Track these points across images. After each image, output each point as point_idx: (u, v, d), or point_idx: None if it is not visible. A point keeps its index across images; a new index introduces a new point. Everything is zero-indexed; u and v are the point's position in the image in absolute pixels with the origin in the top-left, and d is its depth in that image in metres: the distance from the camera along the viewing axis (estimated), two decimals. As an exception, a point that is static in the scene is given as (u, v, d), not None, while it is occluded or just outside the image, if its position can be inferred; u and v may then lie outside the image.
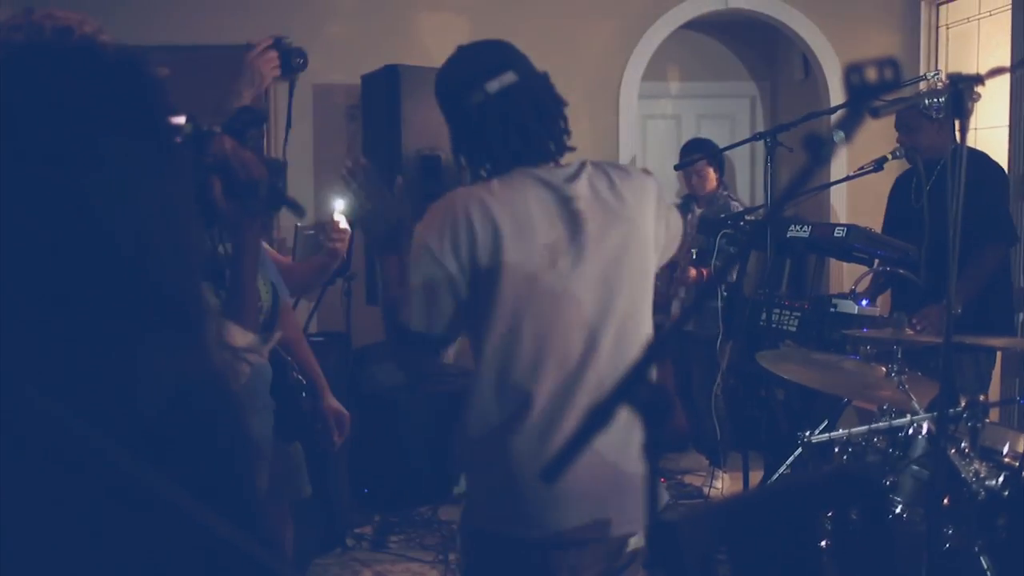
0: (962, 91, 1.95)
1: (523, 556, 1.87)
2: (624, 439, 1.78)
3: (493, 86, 1.93)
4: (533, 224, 1.87)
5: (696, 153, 4.98)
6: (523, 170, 1.93)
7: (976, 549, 2.38)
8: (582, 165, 1.97)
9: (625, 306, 1.91)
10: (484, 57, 2.01)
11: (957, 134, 1.96)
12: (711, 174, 5.03)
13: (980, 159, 3.88)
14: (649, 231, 1.97)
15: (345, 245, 2.88)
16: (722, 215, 4.43)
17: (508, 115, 1.91)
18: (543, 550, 1.85)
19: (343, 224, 2.81)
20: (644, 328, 1.96)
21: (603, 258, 1.90)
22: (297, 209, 1.76)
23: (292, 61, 2.15)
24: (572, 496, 1.82)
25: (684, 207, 5.25)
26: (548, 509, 1.84)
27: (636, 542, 1.91)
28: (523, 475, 1.84)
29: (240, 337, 1.64)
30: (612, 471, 1.84)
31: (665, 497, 2.24)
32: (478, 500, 1.97)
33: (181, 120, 1.65)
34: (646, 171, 2.11)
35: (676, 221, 2.10)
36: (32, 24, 1.59)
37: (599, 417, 0.92)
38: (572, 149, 2.02)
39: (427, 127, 4.86)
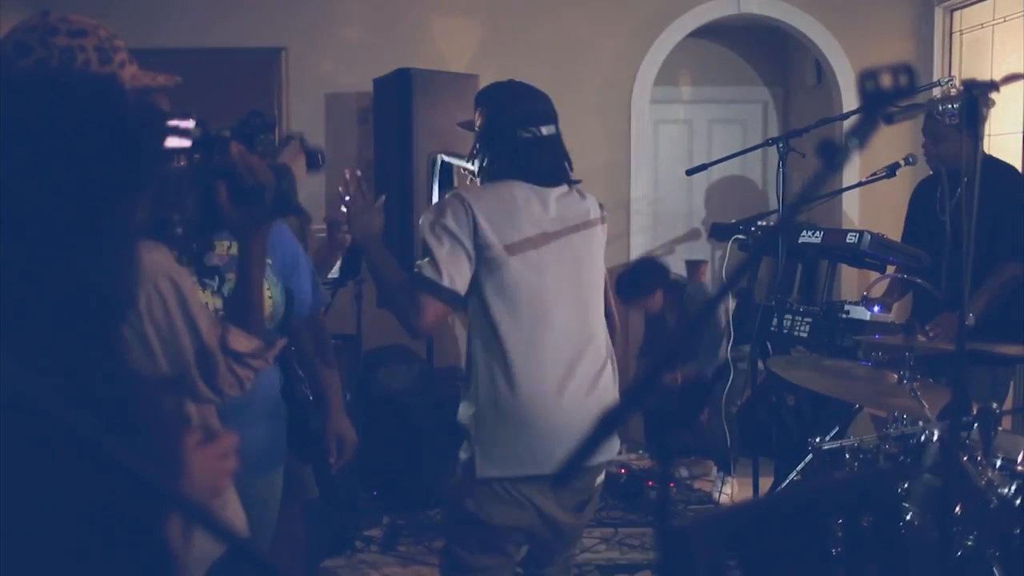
0: (976, 97, 1.94)
1: (538, 489, 2.35)
2: (596, 377, 2.42)
3: (542, 131, 2.44)
4: (520, 214, 2.38)
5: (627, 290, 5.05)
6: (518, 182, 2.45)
7: (989, 557, 2.36)
8: (564, 193, 2.52)
9: (593, 287, 2.51)
10: (541, 103, 2.49)
11: (975, 141, 1.95)
12: (655, 299, 5.09)
13: (1008, 173, 3.83)
14: (599, 237, 2.56)
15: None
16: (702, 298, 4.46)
17: (543, 155, 2.45)
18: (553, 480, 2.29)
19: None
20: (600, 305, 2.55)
21: (575, 248, 2.46)
22: (303, 215, 1.76)
23: (315, 160, 2.23)
24: (571, 434, 2.28)
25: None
26: (556, 447, 2.29)
27: (601, 478, 2.57)
28: (537, 423, 2.32)
29: (243, 342, 1.63)
30: (595, 406, 2.34)
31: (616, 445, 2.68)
32: (491, 453, 2.35)
33: (190, 124, 1.65)
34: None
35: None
36: (47, 25, 1.60)
37: (608, 424, 0.92)
38: (576, 182, 2.54)
39: (439, 131, 4.86)
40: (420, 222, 2.42)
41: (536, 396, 2.33)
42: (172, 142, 1.69)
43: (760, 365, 3.63)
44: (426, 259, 2.34)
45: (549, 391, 2.34)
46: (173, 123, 1.66)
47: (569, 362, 2.39)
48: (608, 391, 2.46)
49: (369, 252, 2.47)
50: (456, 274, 2.31)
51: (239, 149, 1.62)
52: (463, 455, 2.41)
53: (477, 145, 2.49)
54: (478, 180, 2.50)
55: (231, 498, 1.54)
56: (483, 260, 2.34)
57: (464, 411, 2.41)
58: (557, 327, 2.38)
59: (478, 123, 2.50)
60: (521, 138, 2.42)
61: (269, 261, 2.34)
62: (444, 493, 2.64)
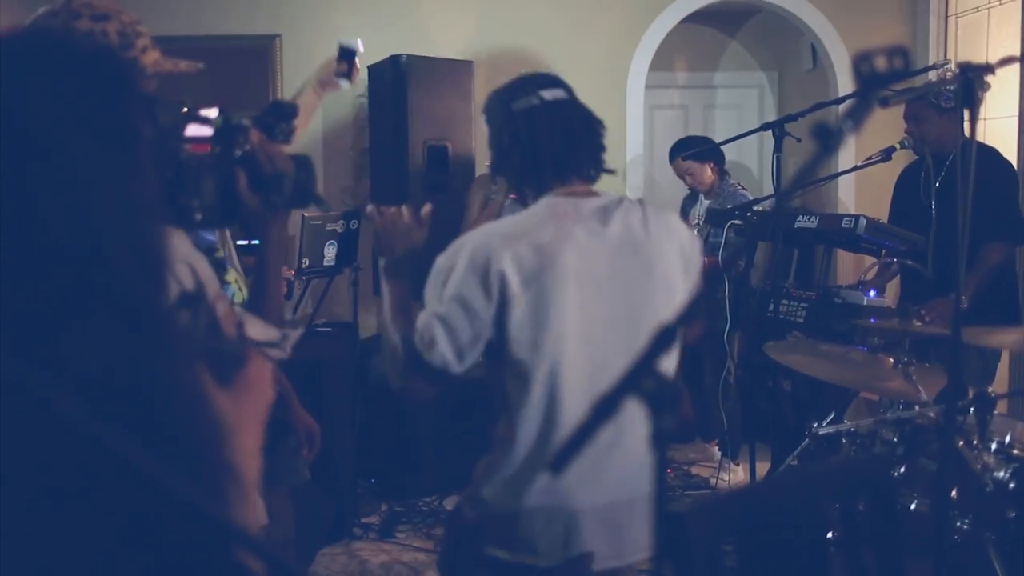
0: (972, 80, 1.93)
1: None
2: (639, 464, 1.89)
3: (546, 94, 2.01)
4: (556, 256, 1.90)
5: (678, 154, 4.97)
6: (558, 196, 1.98)
7: (984, 541, 2.37)
8: (620, 200, 2.03)
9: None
10: (539, 76, 2.10)
11: (967, 124, 1.95)
12: (705, 171, 4.98)
13: (991, 155, 3.85)
14: (674, 269, 2.01)
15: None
16: (729, 206, 4.42)
17: (556, 123, 1.99)
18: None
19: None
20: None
21: (625, 297, 1.96)
22: (323, 205, 1.76)
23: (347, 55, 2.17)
24: (588, 523, 1.91)
25: (691, 198, 5.24)
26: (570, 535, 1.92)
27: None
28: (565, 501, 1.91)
29: (261, 331, 1.63)
30: (627, 497, 1.92)
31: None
32: (492, 525, 1.99)
33: (213, 113, 1.65)
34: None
35: (698, 258, 2.10)
36: (70, 11, 1.60)
37: (605, 408, 0.92)
38: (612, 171, 2.09)
39: (434, 117, 4.85)
40: (438, 264, 1.97)
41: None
42: (193, 130, 1.69)
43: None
44: (439, 324, 1.91)
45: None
46: (196, 112, 1.66)
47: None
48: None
49: (390, 274, 2.07)
50: (469, 356, 1.93)
51: (259, 137, 1.62)
52: None
53: (492, 158, 2.11)
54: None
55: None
56: (504, 321, 1.91)
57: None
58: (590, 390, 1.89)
59: (485, 135, 2.15)
60: (518, 110, 2.01)
61: (233, 251, 2.34)
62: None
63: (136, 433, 0.86)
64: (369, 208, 2.09)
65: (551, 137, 1.98)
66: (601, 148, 2.05)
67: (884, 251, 3.79)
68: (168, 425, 0.90)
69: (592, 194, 2.02)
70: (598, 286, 1.93)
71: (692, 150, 4.89)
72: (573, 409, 1.90)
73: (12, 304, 0.87)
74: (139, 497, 0.83)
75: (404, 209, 2.07)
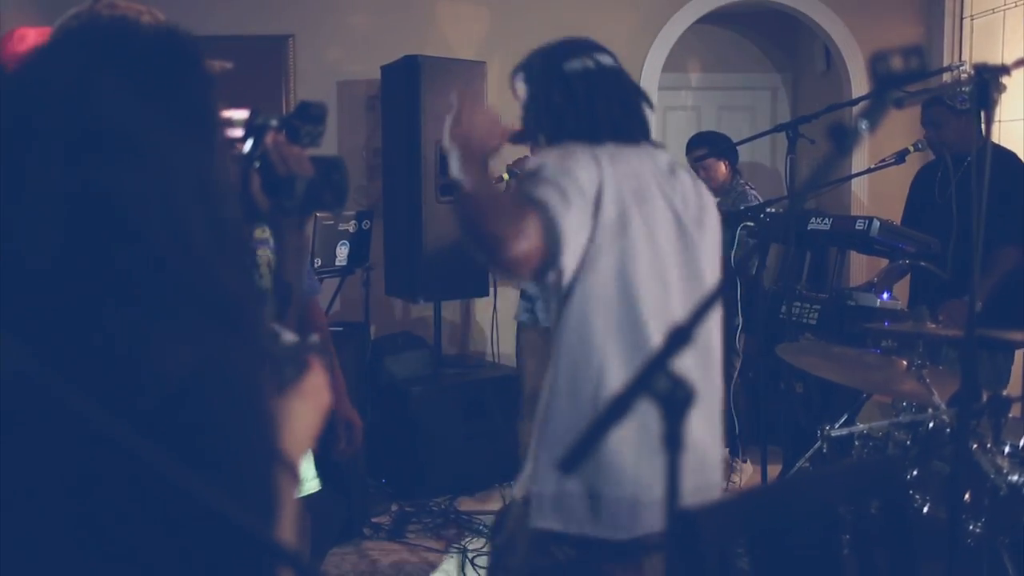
0: (988, 82, 1.92)
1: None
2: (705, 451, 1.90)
3: (602, 59, 1.97)
4: (649, 198, 1.88)
5: (697, 149, 4.98)
6: (622, 144, 1.93)
7: (998, 545, 2.36)
8: (676, 163, 2.03)
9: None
10: (589, 41, 2.03)
11: (982, 126, 1.94)
12: (719, 167, 4.98)
13: (1008, 158, 3.83)
14: (714, 245, 2.02)
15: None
16: (741, 206, 4.41)
17: (615, 88, 1.96)
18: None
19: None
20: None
21: (694, 246, 1.95)
22: (336, 211, 1.72)
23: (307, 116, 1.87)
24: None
25: None
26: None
27: None
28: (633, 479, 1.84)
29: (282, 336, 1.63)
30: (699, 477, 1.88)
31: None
32: (570, 504, 1.86)
33: (244, 114, 1.64)
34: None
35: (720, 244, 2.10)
36: (92, 11, 1.60)
37: (618, 408, 0.92)
38: (661, 146, 2.04)
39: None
40: (538, 157, 1.87)
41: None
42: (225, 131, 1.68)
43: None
44: (551, 188, 1.77)
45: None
46: (227, 113, 1.64)
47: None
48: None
49: (468, 161, 1.84)
50: (575, 229, 1.79)
51: (274, 138, 1.60)
52: None
53: (528, 114, 2.00)
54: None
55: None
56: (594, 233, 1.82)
57: None
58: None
59: (521, 95, 2.04)
60: (572, 71, 1.94)
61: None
62: None
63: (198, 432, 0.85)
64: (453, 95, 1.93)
65: (609, 101, 1.94)
66: (646, 115, 2.04)
67: (897, 253, 3.78)
68: (231, 424, 0.88)
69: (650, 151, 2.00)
70: (675, 228, 1.92)
71: (708, 145, 4.90)
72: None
73: (98, 299, 0.84)
74: (168, 499, 0.82)
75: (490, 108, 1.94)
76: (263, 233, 2.12)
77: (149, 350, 0.84)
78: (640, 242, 1.85)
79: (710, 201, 2.04)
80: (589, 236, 1.81)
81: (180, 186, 0.88)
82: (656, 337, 1.82)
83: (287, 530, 1.02)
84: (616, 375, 1.83)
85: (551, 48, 2.01)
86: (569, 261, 1.81)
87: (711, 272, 1.97)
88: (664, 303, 1.87)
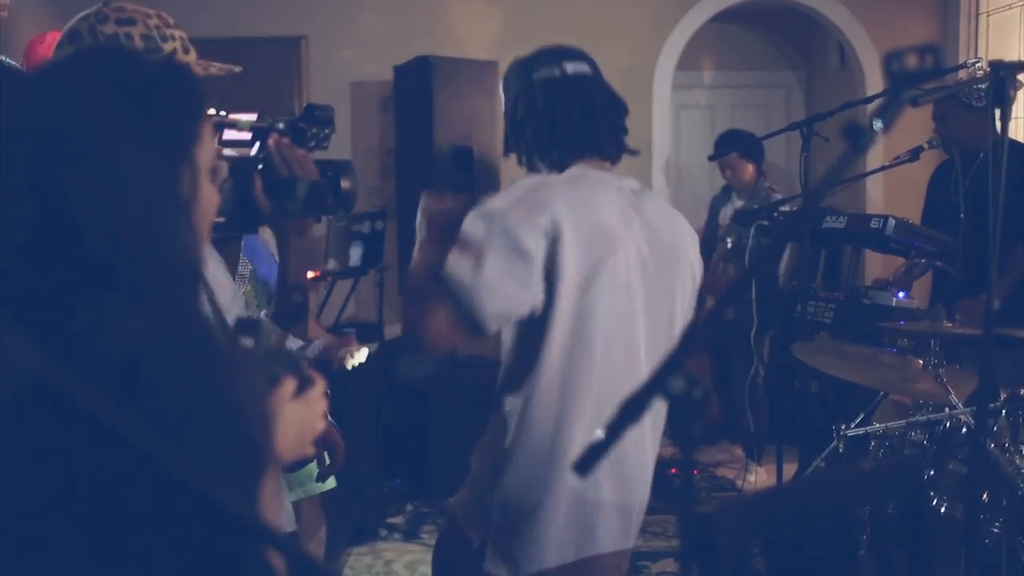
0: (1004, 79, 1.91)
1: None
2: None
3: (569, 67, 1.91)
4: (606, 230, 1.79)
5: (727, 146, 4.97)
6: (586, 167, 1.89)
7: (1016, 545, 2.34)
8: (642, 187, 1.95)
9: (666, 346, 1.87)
10: (564, 48, 1.98)
11: (998, 123, 1.92)
12: (746, 167, 4.99)
13: (1020, 153, 3.80)
14: (688, 275, 1.95)
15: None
16: (756, 207, 4.39)
17: (578, 97, 1.89)
18: None
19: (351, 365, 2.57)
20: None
21: (663, 287, 1.88)
22: (339, 214, 1.71)
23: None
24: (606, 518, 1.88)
25: (722, 198, 5.22)
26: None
27: None
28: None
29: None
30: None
31: None
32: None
33: (252, 117, 1.63)
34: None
35: (699, 269, 2.03)
36: (100, 13, 1.61)
37: (633, 409, 0.91)
38: (634, 152, 1.97)
39: (459, 118, 4.85)
40: (476, 210, 1.79)
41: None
42: (230, 135, 1.67)
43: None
44: (468, 255, 1.73)
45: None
46: (233, 116, 1.64)
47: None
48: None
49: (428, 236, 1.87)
50: (498, 296, 1.73)
51: (276, 140, 1.59)
52: None
53: (505, 132, 1.99)
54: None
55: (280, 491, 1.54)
56: (551, 292, 1.76)
57: None
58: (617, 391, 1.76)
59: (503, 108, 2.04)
60: (537, 80, 1.89)
61: (251, 268, 2.33)
62: None
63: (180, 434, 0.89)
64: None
65: (569, 111, 1.87)
66: (623, 130, 1.95)
67: (913, 252, 3.75)
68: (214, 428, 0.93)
69: (616, 175, 1.94)
70: (640, 272, 1.84)
71: (737, 144, 4.90)
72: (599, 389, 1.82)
73: (47, 302, 0.93)
74: (168, 497, 0.84)
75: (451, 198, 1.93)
76: (245, 268, 2.11)
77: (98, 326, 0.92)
78: (602, 298, 1.78)
79: (682, 224, 1.96)
80: (539, 293, 1.75)
81: (125, 199, 0.98)
82: (606, 404, 1.78)
83: (268, 514, 1.06)
84: (569, 435, 1.80)
85: (526, 57, 1.98)
86: (504, 316, 1.77)
87: (683, 308, 1.92)
88: (627, 364, 1.83)
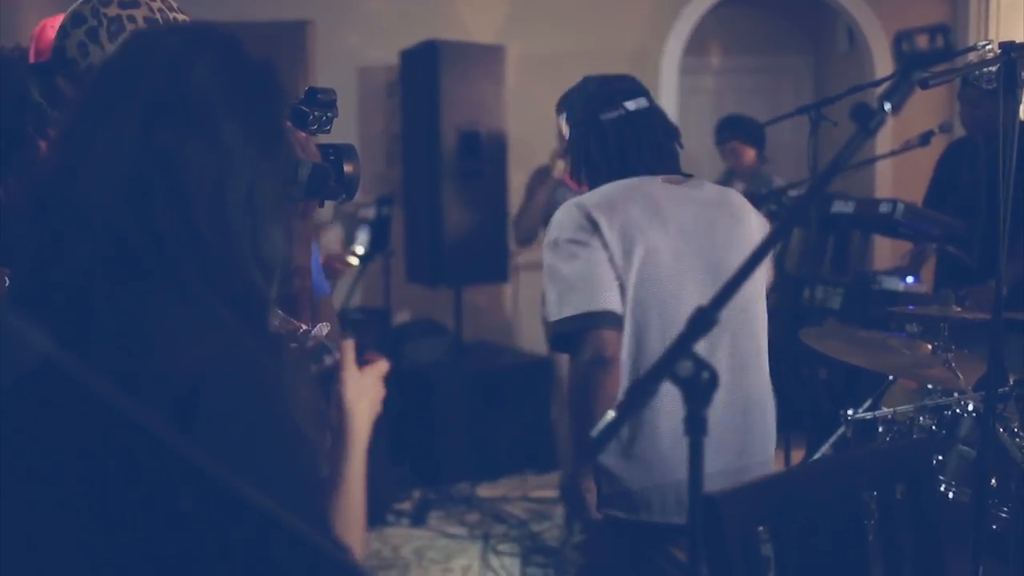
0: (1015, 61, 1.90)
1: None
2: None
3: (631, 105, 2.16)
4: (667, 217, 2.05)
5: (727, 132, 4.99)
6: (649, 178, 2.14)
7: (1024, 530, 2.34)
8: (701, 181, 2.22)
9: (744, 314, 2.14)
10: (619, 82, 2.23)
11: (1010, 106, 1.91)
12: (747, 152, 5.00)
13: None
14: (756, 231, 2.19)
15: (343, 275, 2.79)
16: (763, 191, 4.38)
17: (643, 132, 2.15)
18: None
19: (353, 260, 2.65)
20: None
21: (728, 263, 2.08)
22: (342, 199, 1.69)
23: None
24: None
25: (724, 182, 5.21)
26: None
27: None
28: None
29: (281, 324, 1.62)
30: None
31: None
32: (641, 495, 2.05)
33: None
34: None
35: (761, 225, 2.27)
36: None
37: (641, 391, 0.91)
38: (689, 176, 2.20)
39: (466, 103, 4.84)
40: (548, 233, 2.10)
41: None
42: None
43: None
44: (556, 293, 2.03)
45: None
46: None
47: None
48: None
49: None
50: (609, 287, 2.01)
51: None
52: None
53: (571, 156, 2.26)
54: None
55: None
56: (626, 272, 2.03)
57: None
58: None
59: (565, 132, 2.29)
60: (607, 121, 2.16)
61: None
62: None
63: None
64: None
65: (639, 148, 2.14)
66: (679, 152, 2.22)
67: (922, 237, 3.74)
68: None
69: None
70: (691, 236, 2.07)
71: (737, 130, 4.90)
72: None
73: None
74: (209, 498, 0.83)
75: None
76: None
77: (169, 334, 0.88)
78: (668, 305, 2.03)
79: (732, 194, 2.21)
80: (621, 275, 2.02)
81: (234, 180, 0.96)
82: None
83: (346, 529, 1.07)
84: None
85: (590, 95, 2.20)
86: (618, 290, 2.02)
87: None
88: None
